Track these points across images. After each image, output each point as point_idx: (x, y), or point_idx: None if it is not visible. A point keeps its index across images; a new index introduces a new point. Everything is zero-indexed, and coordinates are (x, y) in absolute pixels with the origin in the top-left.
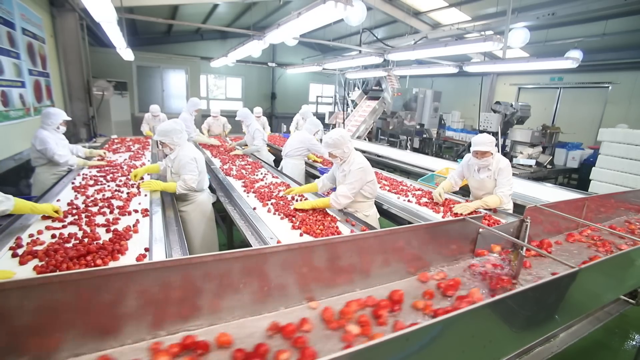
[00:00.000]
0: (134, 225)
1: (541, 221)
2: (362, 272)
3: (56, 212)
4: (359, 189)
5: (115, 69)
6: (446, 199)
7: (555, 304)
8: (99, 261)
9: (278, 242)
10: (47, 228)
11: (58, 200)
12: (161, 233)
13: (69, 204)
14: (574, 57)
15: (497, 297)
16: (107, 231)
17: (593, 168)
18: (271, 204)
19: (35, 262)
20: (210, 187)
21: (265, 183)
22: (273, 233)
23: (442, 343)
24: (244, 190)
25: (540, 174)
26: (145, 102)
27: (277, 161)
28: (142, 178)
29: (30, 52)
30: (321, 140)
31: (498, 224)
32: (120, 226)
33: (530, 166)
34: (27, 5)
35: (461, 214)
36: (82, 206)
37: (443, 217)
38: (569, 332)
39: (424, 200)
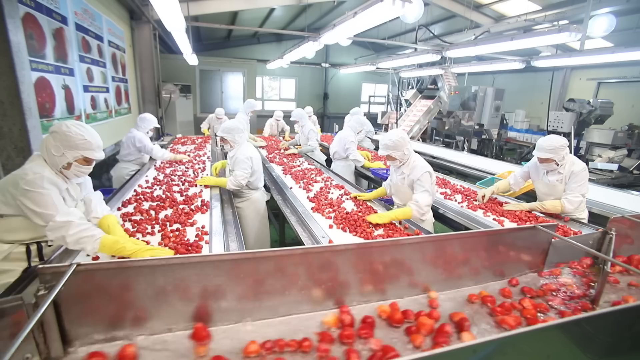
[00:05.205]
0: (199, 192)
1: (629, 235)
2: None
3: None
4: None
5: (181, 73)
6: (493, 199)
7: None
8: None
9: (330, 241)
10: (142, 193)
11: (146, 176)
12: (220, 226)
13: (154, 178)
14: None
15: (585, 315)
16: (181, 195)
17: None
18: (303, 182)
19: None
20: (265, 187)
21: (301, 168)
22: (325, 232)
23: (514, 358)
24: (283, 172)
25: (624, 180)
26: (206, 103)
27: (329, 161)
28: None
29: (114, 61)
30: (371, 139)
31: (569, 235)
32: (190, 192)
33: (612, 171)
34: (113, 20)
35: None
36: (164, 180)
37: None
38: None
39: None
